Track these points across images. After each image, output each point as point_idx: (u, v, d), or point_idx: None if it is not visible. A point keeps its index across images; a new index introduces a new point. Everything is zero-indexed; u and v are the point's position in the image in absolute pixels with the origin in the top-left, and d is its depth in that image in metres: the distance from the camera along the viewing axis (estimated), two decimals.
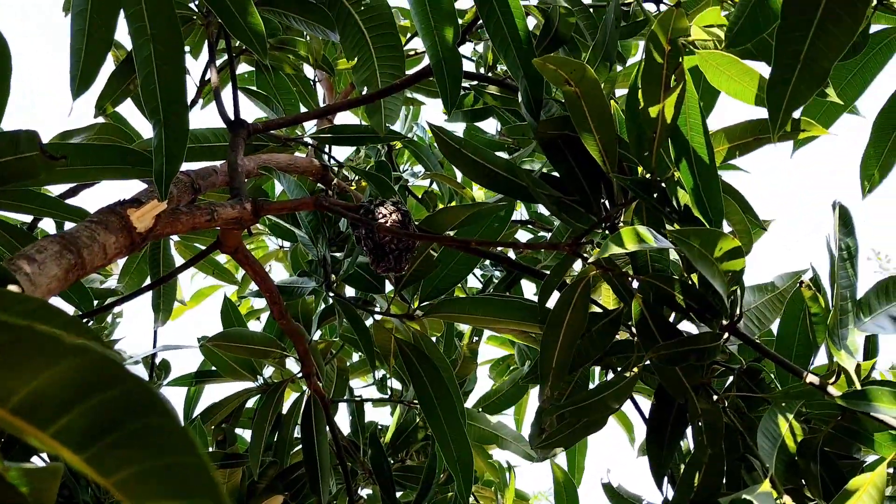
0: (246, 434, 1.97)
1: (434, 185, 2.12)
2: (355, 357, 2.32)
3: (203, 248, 1.79)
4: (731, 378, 1.10)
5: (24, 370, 0.28)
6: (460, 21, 1.21)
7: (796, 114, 1.13)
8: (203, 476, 0.28)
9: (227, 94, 1.33)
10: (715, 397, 1.03)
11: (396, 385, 2.22)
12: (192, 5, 1.41)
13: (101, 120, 1.60)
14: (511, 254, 1.86)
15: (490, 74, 1.68)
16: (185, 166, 1.16)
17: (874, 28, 1.13)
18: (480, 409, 2.06)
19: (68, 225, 1.22)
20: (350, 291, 1.63)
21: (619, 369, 1.20)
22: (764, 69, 0.96)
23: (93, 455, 0.29)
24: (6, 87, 1.04)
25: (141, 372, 2.09)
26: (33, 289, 0.72)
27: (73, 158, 1.00)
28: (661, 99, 0.88)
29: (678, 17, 0.80)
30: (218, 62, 1.51)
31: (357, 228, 1.07)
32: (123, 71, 1.43)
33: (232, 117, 1.19)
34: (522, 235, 2.26)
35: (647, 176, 0.99)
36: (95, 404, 0.29)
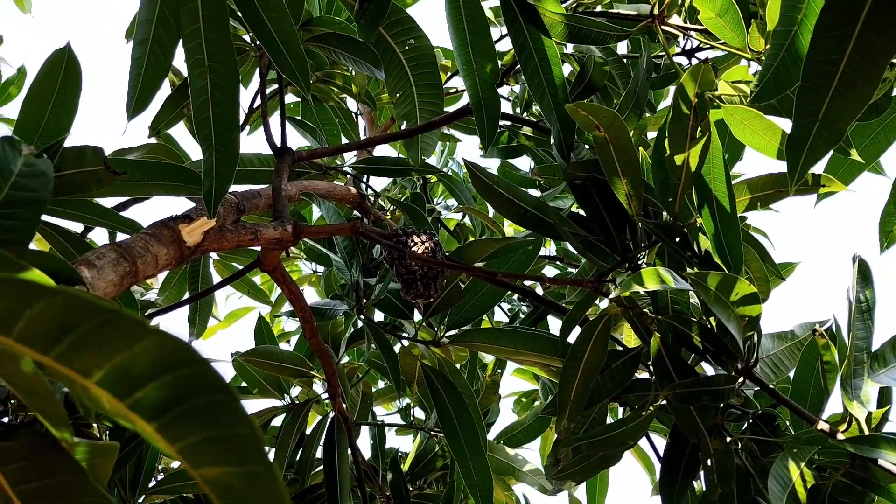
0: (270, 452, 2.01)
1: (466, 219, 2.18)
2: (380, 384, 2.36)
3: (241, 267, 1.86)
4: (746, 422, 1.12)
5: (110, 347, 0.33)
6: (500, 62, 1.28)
7: (819, 169, 1.17)
8: (256, 446, 0.33)
9: (273, 121, 1.40)
10: (729, 439, 1.05)
11: (419, 414, 2.25)
12: (246, 37, 1.50)
13: (152, 140, 1.69)
14: (539, 290, 1.90)
15: (525, 114, 1.75)
16: (231, 188, 1.23)
17: None
18: (501, 442, 2.08)
19: (120, 235, 1.30)
20: (379, 317, 1.68)
21: (636, 407, 1.22)
22: (786, 124, 1.01)
23: (162, 424, 0.34)
24: (75, 105, 1.13)
25: None
26: (92, 291, 0.78)
27: (130, 173, 1.07)
28: (687, 148, 0.93)
29: (705, 73, 0.85)
30: (267, 90, 1.60)
31: (390, 255, 1.13)
32: (177, 96, 1.52)
33: (279, 144, 1.26)
34: (550, 271, 2.30)
35: (671, 221, 1.03)
36: (169, 380, 0.34)
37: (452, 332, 1.35)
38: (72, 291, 0.33)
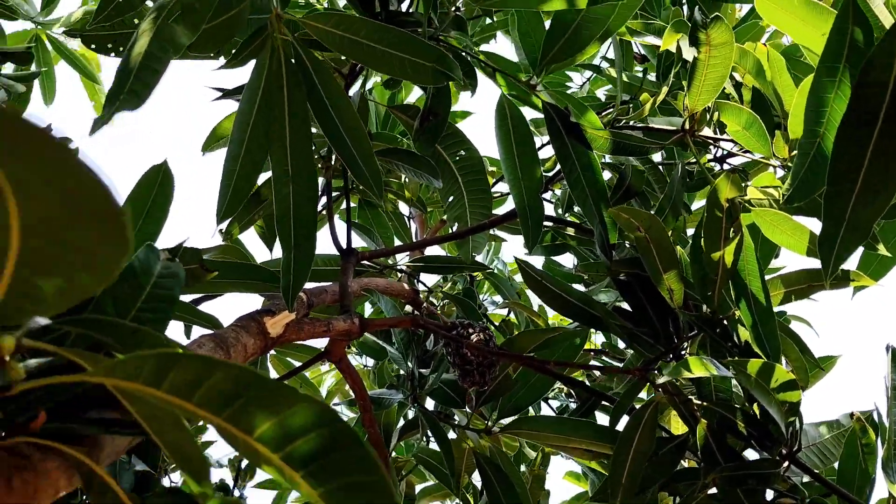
0: None
1: (511, 315, 2.27)
2: (428, 482, 2.38)
3: (298, 363, 1.96)
4: None
5: (270, 410, 0.43)
6: (542, 168, 1.40)
7: (852, 265, 1.24)
8: (386, 490, 0.42)
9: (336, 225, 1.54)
10: None
11: None
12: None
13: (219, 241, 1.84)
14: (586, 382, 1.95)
15: (567, 215, 1.86)
16: None
17: None
18: None
19: (197, 329, 1.41)
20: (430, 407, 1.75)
21: (685, 496, 1.26)
22: (813, 224, 1.09)
23: (308, 472, 0.43)
24: (166, 212, 1.27)
25: (226, 474, 2.23)
26: None
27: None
28: (722, 247, 1.02)
29: (734, 180, 0.95)
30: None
31: (448, 346, 1.22)
32: (250, 204, 1.67)
33: (344, 246, 1.38)
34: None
35: (710, 313, 1.11)
36: (315, 436, 0.43)
37: (504, 421, 1.42)
38: (243, 365, 0.43)
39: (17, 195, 0.30)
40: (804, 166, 0.93)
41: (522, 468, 2.17)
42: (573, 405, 2.07)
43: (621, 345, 2.26)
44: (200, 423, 0.55)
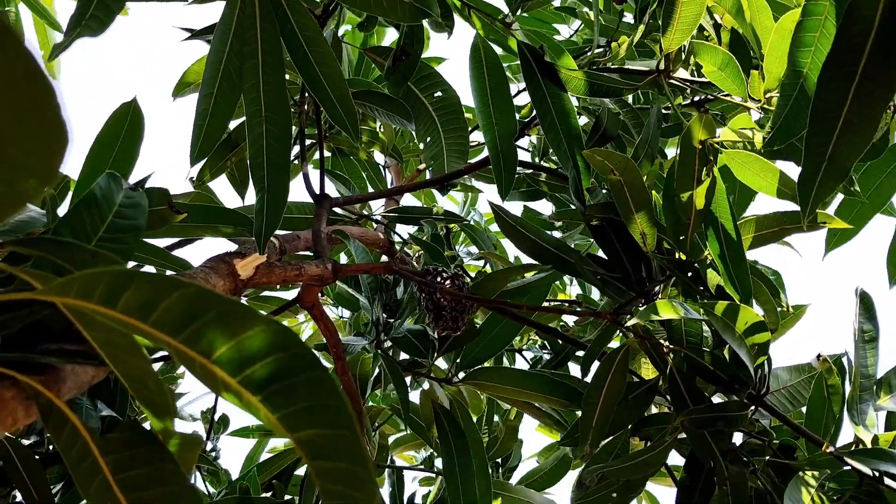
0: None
1: (487, 266, 2.26)
2: (403, 432, 2.40)
3: (273, 308, 1.95)
4: (767, 455, 1.18)
5: (228, 332, 0.42)
6: (518, 116, 1.38)
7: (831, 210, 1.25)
8: (344, 413, 0.41)
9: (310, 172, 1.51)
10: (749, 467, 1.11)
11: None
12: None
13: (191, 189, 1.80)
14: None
15: (542, 161, 1.85)
16: None
17: None
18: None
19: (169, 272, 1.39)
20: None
21: (654, 439, 1.28)
22: (789, 168, 1.09)
23: (265, 396, 0.42)
24: (136, 151, 1.23)
25: (199, 426, 2.23)
26: None
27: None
28: (693, 188, 1.01)
29: (707, 121, 0.94)
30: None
31: (421, 291, 1.21)
32: (222, 149, 1.64)
33: (317, 192, 1.36)
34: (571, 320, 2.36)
35: (683, 257, 1.11)
36: (273, 360, 0.42)
37: (464, 372, 1.41)
38: (201, 286, 0.41)
39: None
40: (786, 107, 0.92)
41: (496, 419, 2.19)
42: (547, 357, 2.09)
43: (595, 296, 2.28)
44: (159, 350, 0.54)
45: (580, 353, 2.01)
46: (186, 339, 0.42)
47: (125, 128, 1.13)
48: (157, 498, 0.52)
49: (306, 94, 1.46)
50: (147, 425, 0.58)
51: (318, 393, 0.41)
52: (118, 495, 0.52)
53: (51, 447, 1.33)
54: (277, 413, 0.42)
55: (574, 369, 2.33)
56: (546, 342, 2.07)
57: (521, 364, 2.39)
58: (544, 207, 2.84)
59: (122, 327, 0.44)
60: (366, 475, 0.40)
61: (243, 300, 1.98)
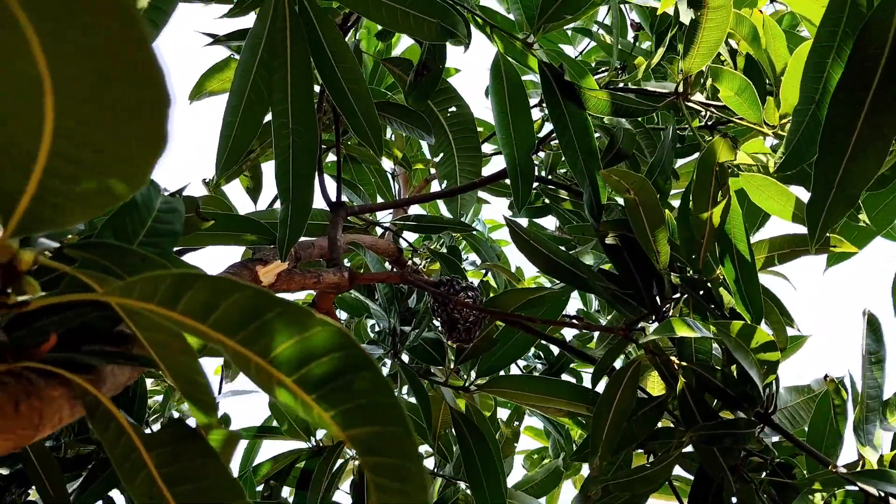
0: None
1: (490, 276, 2.28)
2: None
3: None
4: (765, 471, 1.19)
5: (285, 333, 0.43)
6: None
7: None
8: (397, 412, 0.42)
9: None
10: (750, 482, 1.12)
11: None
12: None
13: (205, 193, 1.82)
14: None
15: (549, 177, 1.87)
16: None
17: None
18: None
19: None
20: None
21: (660, 454, 1.30)
22: (800, 192, 1.12)
23: (320, 395, 0.44)
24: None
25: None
26: None
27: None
28: (709, 209, 1.04)
29: (726, 145, 0.96)
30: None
31: (435, 302, 1.23)
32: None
33: (334, 199, 1.38)
34: (568, 333, 2.39)
35: (695, 276, 1.13)
36: (328, 360, 0.43)
37: (482, 380, 1.44)
38: (259, 287, 0.43)
39: (52, 60, 0.27)
40: (798, 133, 0.94)
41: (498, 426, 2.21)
42: (540, 366, 2.11)
43: (594, 310, 2.30)
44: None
45: (572, 365, 2.04)
46: (243, 339, 0.44)
47: None
48: (199, 491, 0.54)
49: (324, 102, 1.49)
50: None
51: (373, 392, 0.43)
52: (162, 488, 0.54)
53: (68, 452, 1.34)
54: (332, 411, 0.44)
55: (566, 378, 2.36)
56: (541, 353, 2.09)
57: (514, 372, 2.42)
58: (547, 222, 2.87)
59: (178, 328, 0.46)
60: (417, 470, 0.42)
61: None
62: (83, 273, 0.48)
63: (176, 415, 2.04)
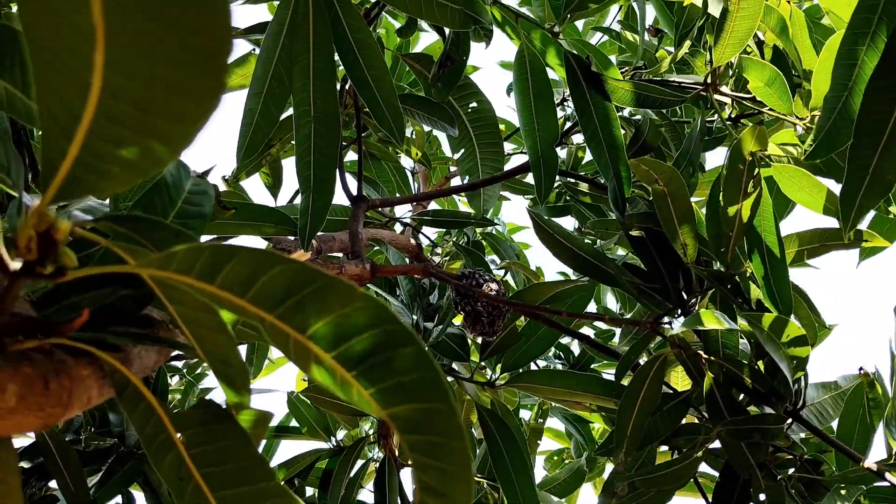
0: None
1: (508, 276, 2.27)
2: None
3: None
4: (794, 466, 1.17)
5: (325, 307, 0.42)
6: None
7: (863, 227, 1.25)
8: (440, 388, 0.41)
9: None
10: (778, 478, 1.11)
11: None
12: None
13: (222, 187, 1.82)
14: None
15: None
16: None
17: None
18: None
19: None
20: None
21: (685, 450, 1.28)
22: (830, 184, 1.10)
23: (360, 372, 0.43)
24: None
25: None
26: None
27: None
28: (740, 201, 1.02)
29: (760, 134, 0.95)
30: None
31: (458, 295, 1.21)
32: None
33: (355, 193, 1.37)
34: (588, 331, 2.37)
35: (723, 269, 1.12)
36: (368, 335, 0.42)
37: (507, 375, 1.42)
38: (301, 261, 0.42)
39: (108, 7, 0.26)
40: (830, 120, 0.93)
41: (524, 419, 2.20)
42: (560, 367, 2.09)
43: (612, 305, 2.28)
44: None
45: (594, 366, 2.02)
46: (282, 314, 0.43)
47: None
48: (229, 472, 0.53)
49: (345, 97, 1.48)
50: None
51: (416, 368, 0.42)
52: (192, 469, 0.53)
53: (90, 445, 1.34)
54: (372, 388, 0.42)
55: None
56: (561, 353, 2.07)
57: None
58: (566, 223, 2.85)
59: (215, 303, 0.45)
60: (460, 447, 0.40)
61: None
62: (118, 245, 0.47)
63: None
